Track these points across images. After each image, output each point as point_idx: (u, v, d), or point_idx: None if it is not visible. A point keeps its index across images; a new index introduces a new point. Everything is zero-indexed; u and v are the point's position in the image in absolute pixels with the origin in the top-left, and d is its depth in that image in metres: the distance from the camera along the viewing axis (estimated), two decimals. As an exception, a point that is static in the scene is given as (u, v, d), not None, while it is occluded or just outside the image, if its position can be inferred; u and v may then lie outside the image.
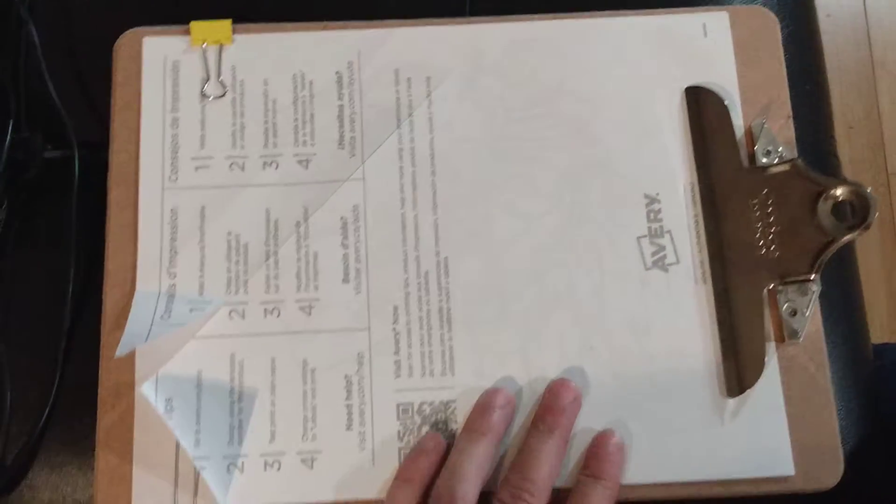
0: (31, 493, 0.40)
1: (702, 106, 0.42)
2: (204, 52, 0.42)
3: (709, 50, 0.43)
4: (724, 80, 0.43)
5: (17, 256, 0.42)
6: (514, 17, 0.43)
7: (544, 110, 0.42)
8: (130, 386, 0.39)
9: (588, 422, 0.39)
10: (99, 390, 0.39)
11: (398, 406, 0.39)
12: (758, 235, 0.40)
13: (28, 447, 0.40)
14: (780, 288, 0.39)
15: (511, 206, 0.41)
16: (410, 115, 0.42)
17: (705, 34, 0.43)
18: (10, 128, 0.42)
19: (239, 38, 0.42)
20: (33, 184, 0.42)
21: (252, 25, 0.43)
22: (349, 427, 0.39)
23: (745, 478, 0.38)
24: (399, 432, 0.39)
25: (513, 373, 0.39)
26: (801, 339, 0.39)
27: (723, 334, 0.39)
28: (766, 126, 0.41)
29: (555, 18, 0.43)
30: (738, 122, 0.42)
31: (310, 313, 0.40)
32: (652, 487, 0.38)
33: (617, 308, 0.40)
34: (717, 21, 0.43)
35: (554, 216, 0.41)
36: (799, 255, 0.39)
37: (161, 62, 0.42)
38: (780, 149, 0.41)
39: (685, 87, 0.42)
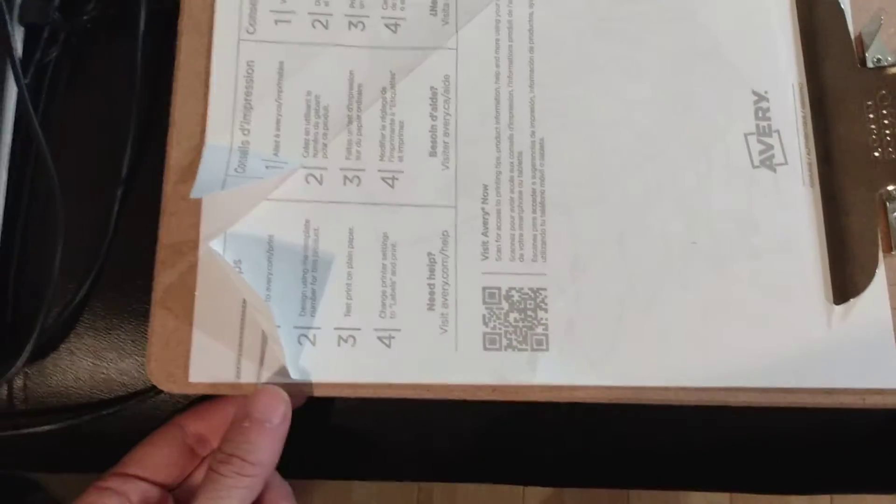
0: (71, 359, 0.36)
1: (813, 7, 0.40)
2: None
3: (820, -48, 0.41)
4: (835, -16, 0.40)
5: (68, 100, 0.38)
6: None
7: (653, -5, 0.39)
8: (193, 244, 0.35)
9: (688, 319, 0.36)
10: (158, 246, 0.35)
11: (484, 289, 0.36)
12: (872, 137, 0.38)
13: (72, 307, 0.36)
14: (891, 193, 0.37)
15: (613, 89, 0.38)
16: (510, -14, 0.39)
17: (817, -64, 0.41)
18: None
19: None
20: (89, 24, 0.38)
21: None
22: (431, 307, 0.35)
23: (848, 387, 0.36)
24: (484, 316, 0.35)
25: (609, 263, 0.36)
26: (911, 249, 0.37)
27: (831, 239, 0.37)
28: (879, 33, 0.39)
29: None
30: (849, 26, 0.40)
31: (393, 185, 0.37)
32: (752, 392, 0.36)
33: (723, 203, 0.37)
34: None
35: (658, 103, 0.38)
36: (918, 158, 0.37)
37: None
38: (889, 57, 0.39)
39: (796, -15, 0.40)
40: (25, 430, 0.35)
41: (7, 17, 0.34)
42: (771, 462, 0.40)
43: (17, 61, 0.34)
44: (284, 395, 0.32)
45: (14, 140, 0.36)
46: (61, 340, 0.36)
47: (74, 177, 0.37)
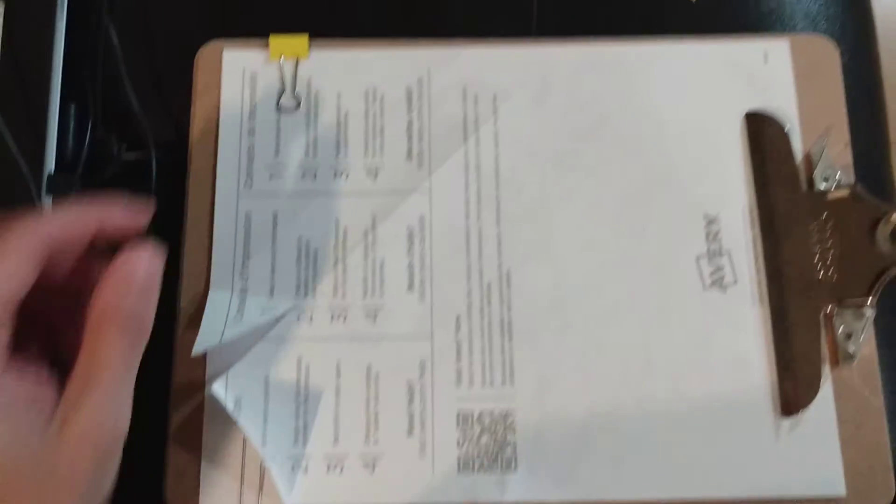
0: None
1: (762, 131, 0.43)
2: (281, 65, 0.44)
3: (769, 76, 0.44)
4: (784, 106, 0.43)
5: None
6: (579, 38, 0.45)
7: (608, 129, 0.43)
8: (201, 384, 0.40)
9: (646, 434, 0.39)
10: (172, 387, 0.40)
11: (458, 414, 0.40)
12: (816, 259, 0.41)
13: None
14: (836, 311, 0.40)
15: (575, 220, 0.42)
16: (477, 130, 0.43)
17: (766, 61, 0.44)
18: (88, 128, 0.43)
19: (315, 52, 0.44)
20: (109, 184, 0.44)
21: (327, 41, 0.44)
22: (410, 433, 0.40)
23: (796, 496, 0.39)
24: (458, 440, 0.40)
25: (572, 384, 0.40)
26: (856, 362, 0.40)
27: (779, 355, 0.40)
28: (825, 151, 0.42)
29: (619, 43, 0.44)
30: (797, 147, 0.43)
31: (375, 319, 0.41)
32: None
33: (676, 325, 0.41)
34: (777, 49, 0.44)
35: (615, 232, 0.42)
36: (856, 280, 0.40)
37: (240, 74, 0.44)
38: (838, 174, 0.42)
39: (746, 112, 0.43)
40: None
41: (35, 195, 0.40)
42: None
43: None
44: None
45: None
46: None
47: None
